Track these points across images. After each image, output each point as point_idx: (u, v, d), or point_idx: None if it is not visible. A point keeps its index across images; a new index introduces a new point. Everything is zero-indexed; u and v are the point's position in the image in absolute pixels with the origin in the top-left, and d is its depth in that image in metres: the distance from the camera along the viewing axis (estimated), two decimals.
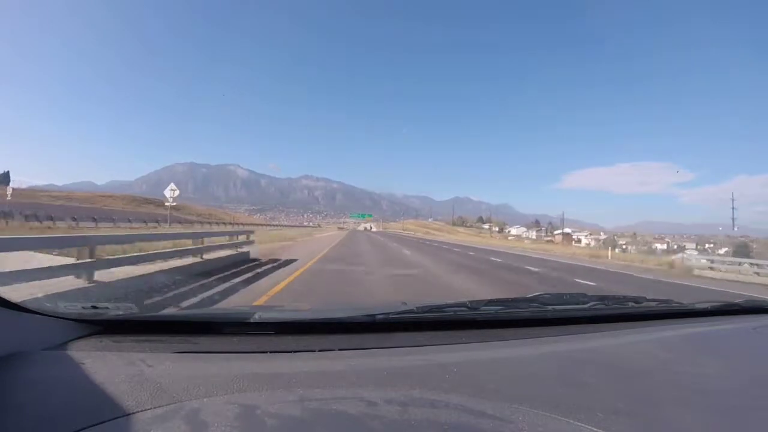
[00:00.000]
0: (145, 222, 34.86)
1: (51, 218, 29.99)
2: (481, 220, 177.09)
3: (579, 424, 0.61)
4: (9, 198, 33.52)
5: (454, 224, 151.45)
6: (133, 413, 0.59)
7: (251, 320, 1.02)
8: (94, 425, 0.55)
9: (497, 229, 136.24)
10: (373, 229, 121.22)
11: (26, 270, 3.79)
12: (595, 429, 0.60)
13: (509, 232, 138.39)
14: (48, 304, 0.95)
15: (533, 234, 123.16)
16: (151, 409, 0.60)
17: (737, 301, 1.66)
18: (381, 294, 6.19)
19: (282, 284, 6.43)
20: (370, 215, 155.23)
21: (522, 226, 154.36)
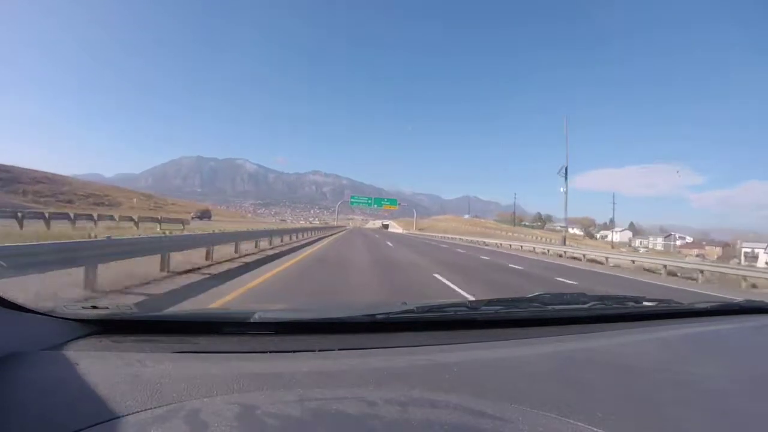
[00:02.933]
0: None
1: None
2: (539, 218, 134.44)
3: (579, 424, 0.61)
4: None
5: (513, 223, 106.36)
6: (133, 413, 0.59)
7: (251, 320, 1.01)
8: (93, 425, 0.55)
9: (580, 232, 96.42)
10: (398, 231, 75.87)
11: None
12: (595, 429, 0.59)
13: (606, 237, 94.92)
14: (48, 304, 0.94)
15: (658, 242, 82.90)
16: (151, 409, 0.60)
17: (737, 301, 1.62)
18: None
19: None
20: (394, 201, 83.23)
21: (623, 229, 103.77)
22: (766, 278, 11.91)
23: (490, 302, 1.24)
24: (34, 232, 13.64)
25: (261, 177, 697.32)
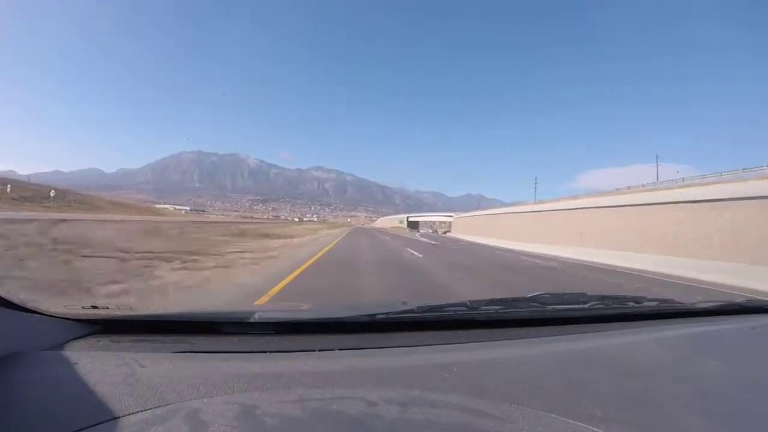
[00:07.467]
0: None
1: None
2: None
3: (579, 424, 0.61)
4: None
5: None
6: (133, 413, 0.59)
7: (251, 320, 1.01)
8: (94, 425, 0.55)
9: None
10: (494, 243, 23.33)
11: None
12: (595, 429, 0.59)
13: None
14: (48, 304, 0.94)
15: None
16: (151, 409, 0.60)
17: (737, 301, 1.63)
18: None
19: None
20: None
21: None
22: None
23: (490, 302, 1.23)
24: None
25: (262, 172, 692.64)
